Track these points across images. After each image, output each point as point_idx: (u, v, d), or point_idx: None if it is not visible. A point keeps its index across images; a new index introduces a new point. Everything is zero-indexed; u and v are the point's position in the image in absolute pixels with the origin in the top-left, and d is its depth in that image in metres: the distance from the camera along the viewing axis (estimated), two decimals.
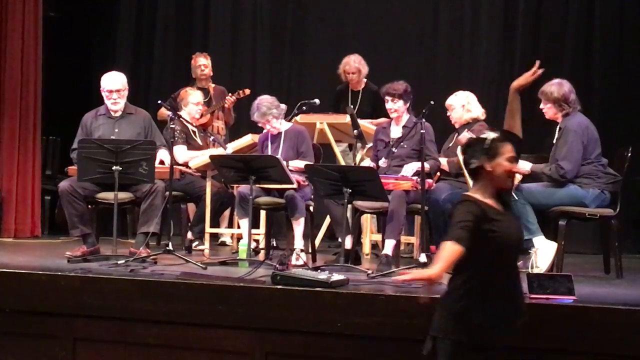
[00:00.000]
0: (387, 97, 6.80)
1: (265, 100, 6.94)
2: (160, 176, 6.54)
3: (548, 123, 6.67)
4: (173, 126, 6.71)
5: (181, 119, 7.30)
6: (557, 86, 6.36)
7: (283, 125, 7.04)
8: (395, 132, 6.84)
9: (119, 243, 6.38)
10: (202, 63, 8.61)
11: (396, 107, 6.77)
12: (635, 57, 8.58)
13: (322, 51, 9.47)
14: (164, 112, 7.63)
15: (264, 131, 7.15)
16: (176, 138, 7.13)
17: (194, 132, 7.77)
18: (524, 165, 6.34)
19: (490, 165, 3.97)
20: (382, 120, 7.51)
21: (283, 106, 7.09)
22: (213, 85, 8.66)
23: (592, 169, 6.21)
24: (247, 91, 8.38)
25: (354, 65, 8.31)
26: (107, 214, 6.66)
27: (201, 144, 7.76)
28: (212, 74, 8.68)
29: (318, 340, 4.95)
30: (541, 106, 6.46)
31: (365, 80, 8.38)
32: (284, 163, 6.57)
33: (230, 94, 8.43)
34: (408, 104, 6.80)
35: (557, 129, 6.41)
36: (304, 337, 4.95)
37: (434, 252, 6.71)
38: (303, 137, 7.02)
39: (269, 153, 6.90)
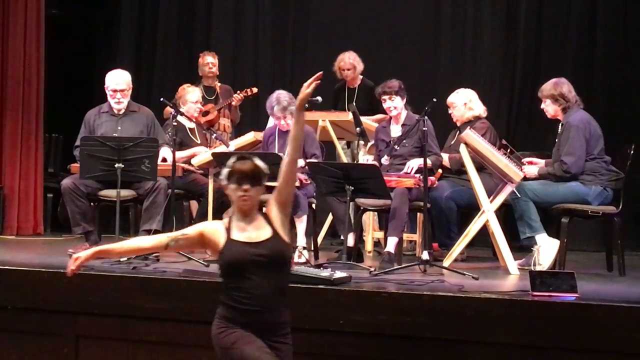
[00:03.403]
0: (383, 97, 6.79)
1: (285, 95, 6.89)
2: (163, 174, 6.54)
3: (550, 121, 6.68)
4: (175, 124, 6.70)
5: (183, 116, 7.30)
6: (553, 84, 6.43)
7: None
8: (395, 130, 6.84)
9: (121, 240, 6.37)
10: (210, 61, 8.64)
11: (394, 104, 6.76)
12: (638, 54, 8.57)
13: (324, 49, 9.45)
14: (170, 110, 7.62)
15: (269, 126, 7.14)
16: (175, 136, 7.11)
17: (192, 129, 7.74)
18: (531, 170, 6.35)
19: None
20: (382, 116, 7.51)
21: None
22: (219, 84, 8.68)
23: (595, 166, 6.22)
24: (255, 90, 8.42)
25: (349, 62, 8.32)
26: (109, 211, 6.67)
27: (200, 142, 7.74)
28: (218, 73, 8.70)
29: (320, 338, 4.95)
30: (542, 106, 6.49)
31: (361, 77, 8.39)
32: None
33: (237, 92, 8.45)
34: (404, 100, 6.81)
35: (560, 125, 6.43)
36: (307, 334, 4.94)
37: (436, 250, 6.74)
38: (312, 139, 7.01)
39: (275, 149, 6.88)
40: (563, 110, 6.38)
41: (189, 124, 7.70)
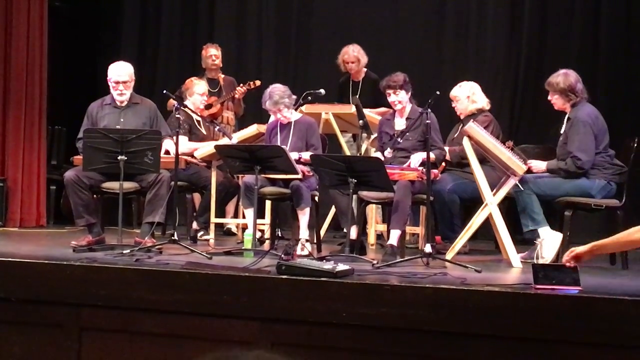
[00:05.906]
0: (388, 91, 6.78)
1: (277, 89, 6.92)
2: (166, 166, 6.55)
3: (554, 114, 6.67)
4: (178, 116, 6.71)
5: (186, 108, 7.30)
6: (563, 76, 6.36)
7: (293, 115, 7.03)
8: (400, 123, 6.83)
9: (124, 233, 6.39)
10: (213, 54, 8.63)
11: (399, 98, 6.76)
12: None
13: (328, 41, 9.46)
14: (173, 103, 7.62)
15: (272, 119, 7.14)
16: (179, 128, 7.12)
17: (198, 122, 7.77)
18: (540, 165, 6.34)
19: None
20: (386, 109, 7.51)
21: (294, 96, 7.10)
22: (223, 75, 8.68)
23: (599, 160, 6.21)
24: (258, 82, 8.41)
25: (353, 55, 8.30)
26: (112, 203, 6.67)
27: (205, 133, 7.76)
28: (221, 65, 8.69)
29: (323, 330, 4.94)
30: (549, 97, 6.46)
31: (365, 70, 8.38)
32: (290, 154, 6.56)
33: (240, 85, 8.45)
34: (409, 94, 6.80)
35: (566, 119, 6.41)
36: (309, 327, 4.95)
37: (439, 243, 6.74)
38: (313, 130, 7.02)
39: (277, 142, 6.89)
40: (572, 104, 6.36)
41: (195, 116, 7.71)
